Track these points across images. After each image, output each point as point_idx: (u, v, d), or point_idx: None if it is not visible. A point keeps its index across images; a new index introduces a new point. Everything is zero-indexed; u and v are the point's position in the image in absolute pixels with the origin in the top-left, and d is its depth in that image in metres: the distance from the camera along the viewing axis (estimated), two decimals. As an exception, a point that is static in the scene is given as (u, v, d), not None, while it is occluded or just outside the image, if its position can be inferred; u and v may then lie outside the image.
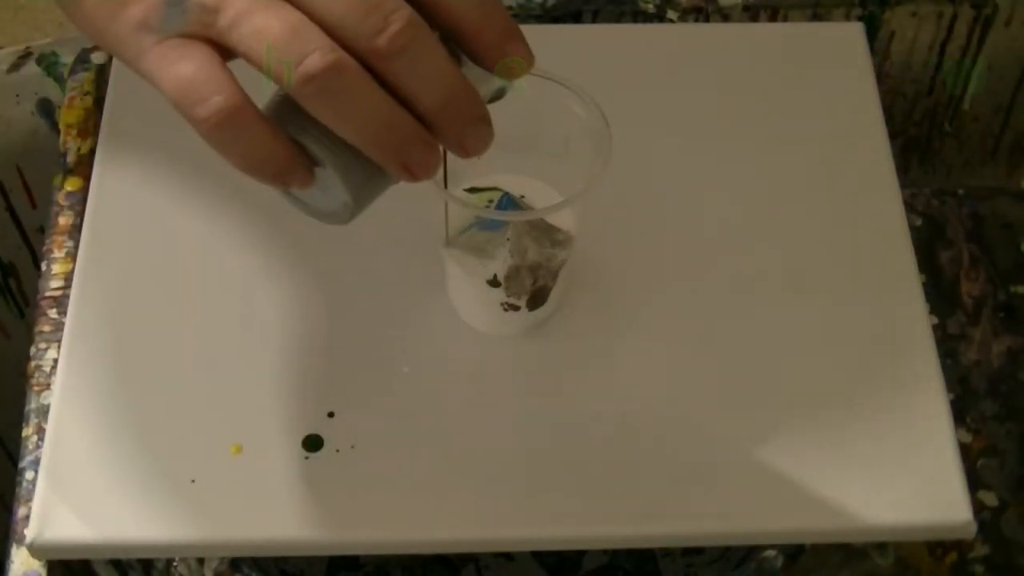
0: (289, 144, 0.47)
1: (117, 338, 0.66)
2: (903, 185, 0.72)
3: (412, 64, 0.45)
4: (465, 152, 0.49)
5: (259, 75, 0.46)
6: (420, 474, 0.62)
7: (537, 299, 0.64)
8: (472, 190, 0.63)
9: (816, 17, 0.83)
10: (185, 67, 0.45)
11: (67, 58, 0.84)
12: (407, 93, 0.46)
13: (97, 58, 0.78)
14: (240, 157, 0.47)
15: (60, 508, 0.61)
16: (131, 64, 0.48)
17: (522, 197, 0.63)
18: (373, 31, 0.44)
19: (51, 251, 0.72)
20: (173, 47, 0.46)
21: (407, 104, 0.46)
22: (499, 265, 0.62)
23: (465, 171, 0.63)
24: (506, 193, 0.63)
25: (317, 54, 0.44)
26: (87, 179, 0.72)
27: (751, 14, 0.83)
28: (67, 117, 0.77)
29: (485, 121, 0.49)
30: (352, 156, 0.48)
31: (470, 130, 0.49)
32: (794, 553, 0.66)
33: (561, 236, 0.62)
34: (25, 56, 0.85)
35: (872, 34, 0.85)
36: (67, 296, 0.68)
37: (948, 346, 0.73)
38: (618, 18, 0.83)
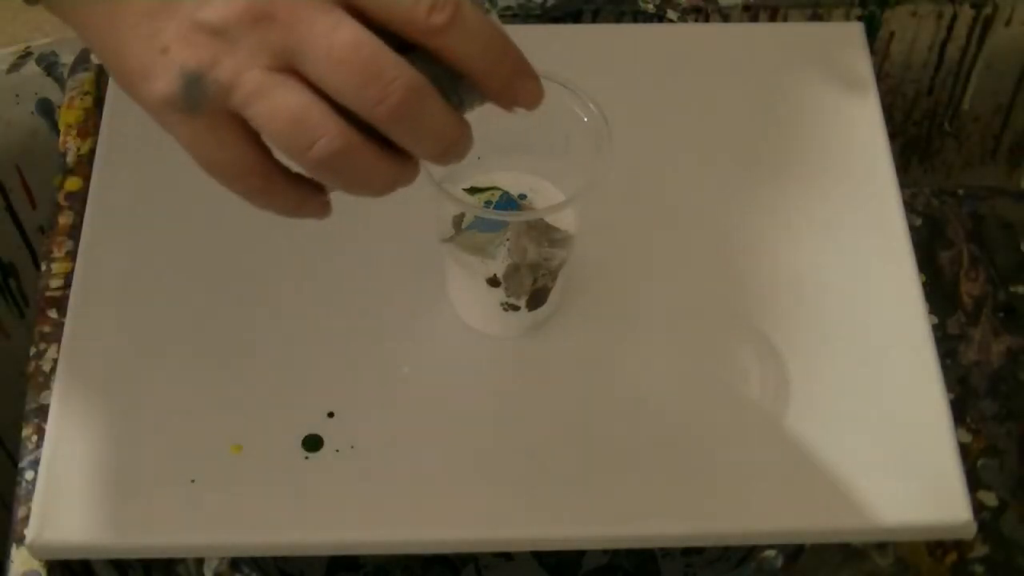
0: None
1: (117, 338, 0.66)
2: (903, 185, 0.72)
3: (412, 126, 0.47)
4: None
5: None
6: (420, 474, 0.62)
7: (537, 299, 0.64)
8: (472, 190, 0.63)
9: (816, 17, 0.83)
10: (218, 152, 0.48)
11: (67, 58, 0.84)
12: (409, 148, 0.48)
13: (97, 58, 0.78)
14: (265, 207, 0.50)
15: (60, 508, 0.61)
16: (163, 128, 0.49)
17: (522, 197, 0.63)
18: (375, 101, 0.46)
19: (51, 251, 0.72)
20: (204, 129, 0.47)
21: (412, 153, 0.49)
22: (499, 265, 0.62)
23: (465, 170, 0.63)
24: (505, 193, 0.63)
25: (324, 140, 0.46)
26: (87, 179, 0.72)
27: (751, 14, 0.83)
28: (67, 117, 0.77)
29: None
30: None
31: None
32: (794, 553, 0.66)
33: (560, 236, 0.62)
34: (25, 56, 0.85)
35: (872, 34, 0.85)
36: (67, 296, 0.68)
37: (948, 346, 0.73)
38: (618, 18, 0.83)
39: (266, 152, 0.48)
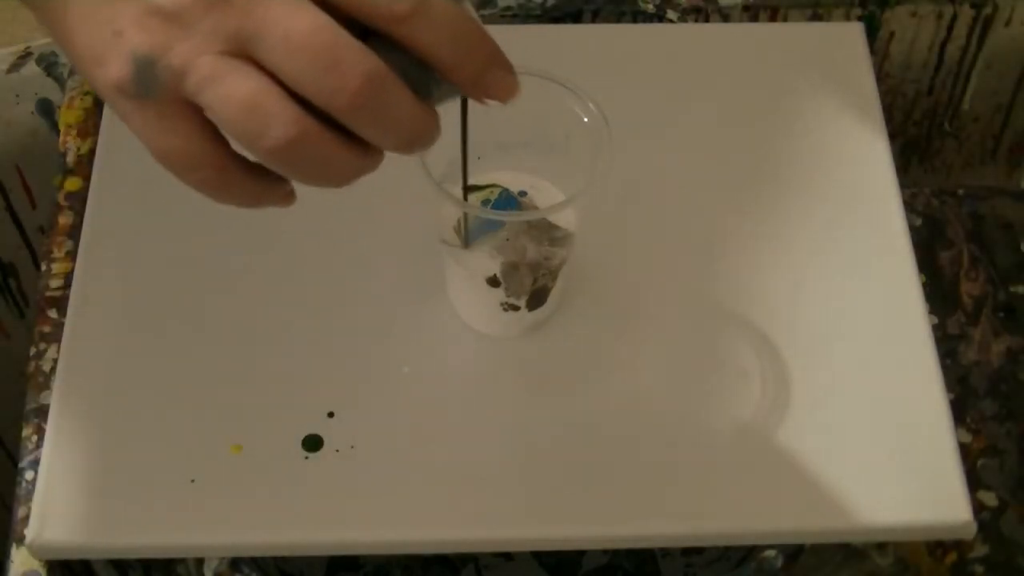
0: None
1: (117, 338, 0.66)
2: (903, 185, 0.72)
3: (373, 116, 0.45)
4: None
5: None
6: (420, 474, 0.62)
7: (537, 299, 0.64)
8: (471, 188, 0.63)
9: (816, 17, 0.83)
10: (171, 141, 0.46)
11: (67, 58, 0.84)
12: (370, 139, 0.46)
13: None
14: (222, 200, 0.49)
15: (60, 508, 0.61)
16: (118, 116, 0.48)
17: (522, 194, 0.63)
18: (332, 89, 0.44)
19: (51, 251, 0.72)
20: (155, 116, 0.46)
21: (374, 144, 0.47)
22: (499, 265, 0.62)
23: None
24: (505, 190, 0.63)
25: (280, 129, 0.44)
26: (87, 179, 0.72)
27: (751, 14, 0.83)
28: (67, 117, 0.77)
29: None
30: None
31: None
32: (794, 553, 0.66)
33: (560, 234, 0.62)
34: (25, 56, 0.85)
35: (872, 34, 0.85)
36: (67, 296, 0.68)
37: (948, 346, 0.73)
38: (618, 18, 0.83)
39: (222, 143, 0.47)
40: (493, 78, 0.47)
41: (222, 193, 0.48)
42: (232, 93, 0.44)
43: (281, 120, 0.44)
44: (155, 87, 0.45)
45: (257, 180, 0.48)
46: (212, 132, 0.46)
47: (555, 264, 0.63)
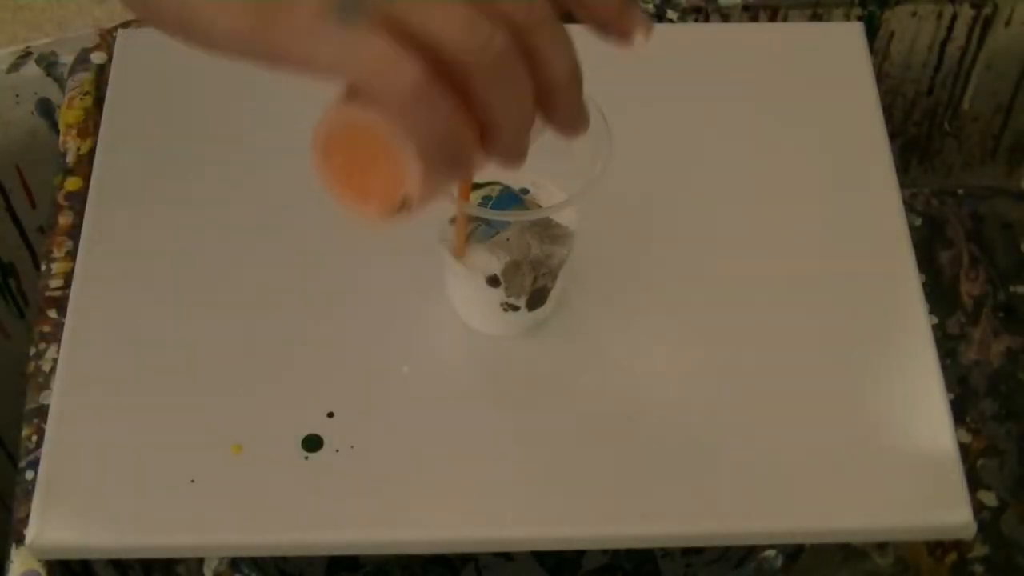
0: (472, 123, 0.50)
1: (117, 338, 0.66)
2: (903, 185, 0.72)
3: (550, 36, 0.49)
4: (572, 127, 0.54)
5: None
6: (420, 474, 0.62)
7: (536, 299, 0.64)
8: (472, 186, 0.63)
9: (816, 17, 0.83)
10: (379, 64, 0.47)
11: (67, 58, 0.84)
12: (544, 60, 0.50)
13: (97, 58, 0.78)
14: (428, 134, 0.49)
15: (60, 508, 0.61)
16: (302, 62, 0.48)
17: (524, 192, 0.63)
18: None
19: (51, 251, 0.72)
20: (356, 38, 0.47)
21: (542, 72, 0.50)
22: (499, 265, 0.62)
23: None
24: (506, 187, 0.63)
25: (500, 39, 0.47)
26: (87, 179, 0.72)
27: (751, 14, 0.83)
28: (67, 117, 0.76)
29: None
30: None
31: (582, 105, 0.53)
32: (794, 553, 0.66)
33: (560, 232, 0.62)
34: (25, 56, 0.85)
35: (872, 34, 0.85)
36: (67, 296, 0.68)
37: (948, 346, 0.73)
38: (618, 18, 0.83)
39: (420, 58, 0.47)
40: (632, 13, 0.52)
41: (426, 110, 0.48)
42: (450, 10, 0.47)
43: (499, 33, 0.47)
44: (358, 11, 0.46)
45: (455, 103, 0.48)
46: (411, 49, 0.47)
47: (555, 263, 0.63)
